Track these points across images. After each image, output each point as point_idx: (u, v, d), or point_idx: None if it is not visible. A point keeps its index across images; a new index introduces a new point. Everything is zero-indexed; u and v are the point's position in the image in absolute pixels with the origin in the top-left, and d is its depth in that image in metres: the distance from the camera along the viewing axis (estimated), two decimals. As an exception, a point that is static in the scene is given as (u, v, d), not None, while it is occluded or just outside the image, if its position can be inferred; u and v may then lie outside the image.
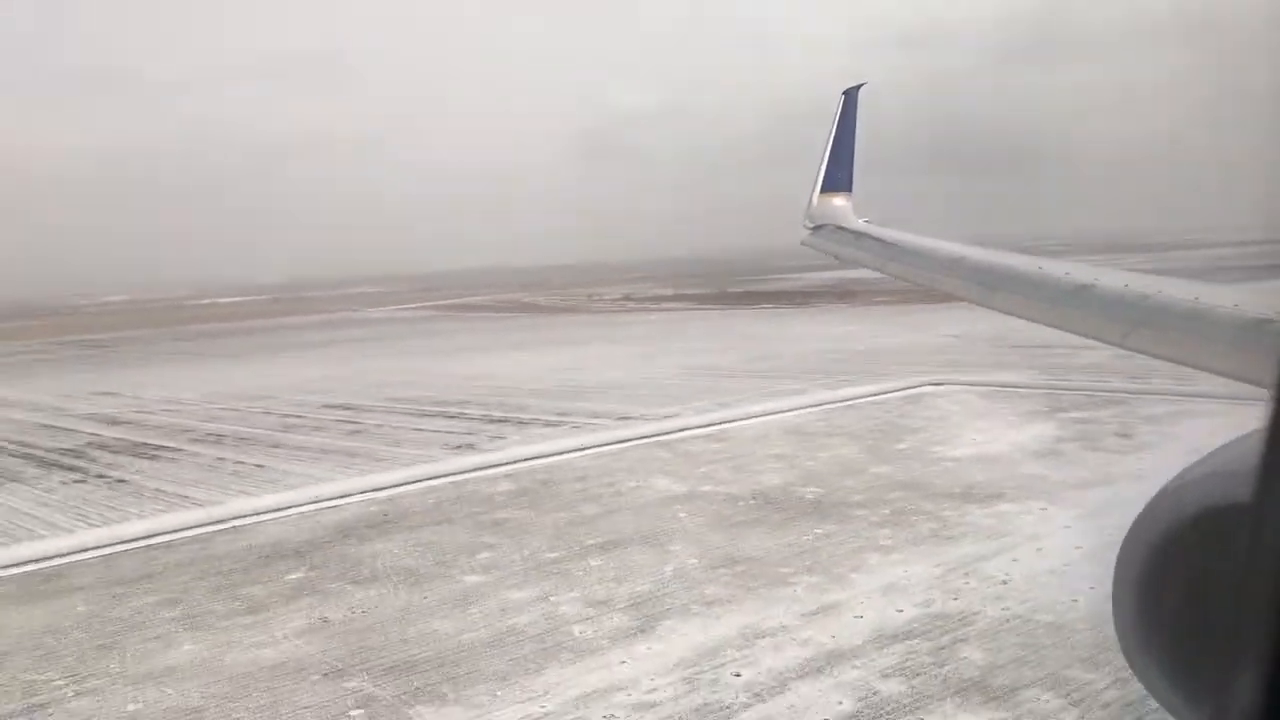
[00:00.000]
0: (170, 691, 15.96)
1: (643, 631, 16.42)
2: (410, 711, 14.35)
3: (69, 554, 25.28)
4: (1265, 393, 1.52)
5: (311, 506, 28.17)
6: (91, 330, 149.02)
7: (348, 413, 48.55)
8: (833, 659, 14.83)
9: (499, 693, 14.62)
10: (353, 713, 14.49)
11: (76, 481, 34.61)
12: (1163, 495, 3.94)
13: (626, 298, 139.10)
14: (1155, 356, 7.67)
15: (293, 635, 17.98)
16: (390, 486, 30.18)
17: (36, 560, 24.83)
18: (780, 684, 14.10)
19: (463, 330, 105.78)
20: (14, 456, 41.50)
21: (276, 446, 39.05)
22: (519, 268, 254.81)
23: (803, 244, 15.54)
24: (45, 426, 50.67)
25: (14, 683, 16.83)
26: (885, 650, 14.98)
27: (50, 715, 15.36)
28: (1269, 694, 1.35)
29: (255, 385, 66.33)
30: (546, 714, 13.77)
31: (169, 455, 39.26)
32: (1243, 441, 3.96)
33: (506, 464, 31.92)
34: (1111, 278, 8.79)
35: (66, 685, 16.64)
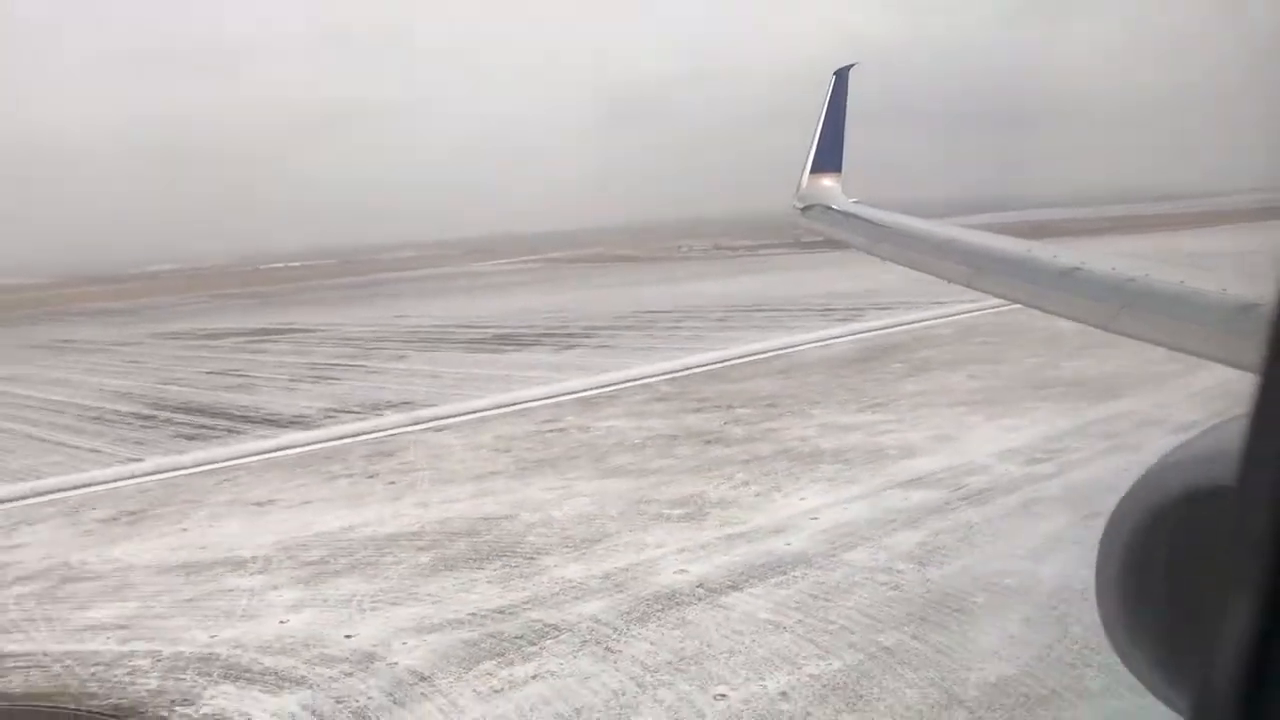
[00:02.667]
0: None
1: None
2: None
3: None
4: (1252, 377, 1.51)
5: (809, 346, 45.63)
6: (220, 286, 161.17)
7: (679, 315, 66.19)
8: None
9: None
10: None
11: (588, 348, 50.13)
12: (1147, 478, 3.82)
13: (716, 246, 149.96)
14: (1142, 340, 7.49)
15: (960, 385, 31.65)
16: (834, 339, 47.74)
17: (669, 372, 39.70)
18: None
19: (633, 271, 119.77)
20: (493, 341, 59.01)
21: (677, 328, 56.89)
22: (568, 230, 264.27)
23: (791, 224, 15.63)
24: (465, 326, 69.67)
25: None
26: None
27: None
28: (1247, 675, 1.34)
29: (537, 306, 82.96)
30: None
31: (620, 333, 58.22)
32: (1227, 425, 3.81)
33: (896, 326, 49.11)
34: (1099, 261, 8.63)
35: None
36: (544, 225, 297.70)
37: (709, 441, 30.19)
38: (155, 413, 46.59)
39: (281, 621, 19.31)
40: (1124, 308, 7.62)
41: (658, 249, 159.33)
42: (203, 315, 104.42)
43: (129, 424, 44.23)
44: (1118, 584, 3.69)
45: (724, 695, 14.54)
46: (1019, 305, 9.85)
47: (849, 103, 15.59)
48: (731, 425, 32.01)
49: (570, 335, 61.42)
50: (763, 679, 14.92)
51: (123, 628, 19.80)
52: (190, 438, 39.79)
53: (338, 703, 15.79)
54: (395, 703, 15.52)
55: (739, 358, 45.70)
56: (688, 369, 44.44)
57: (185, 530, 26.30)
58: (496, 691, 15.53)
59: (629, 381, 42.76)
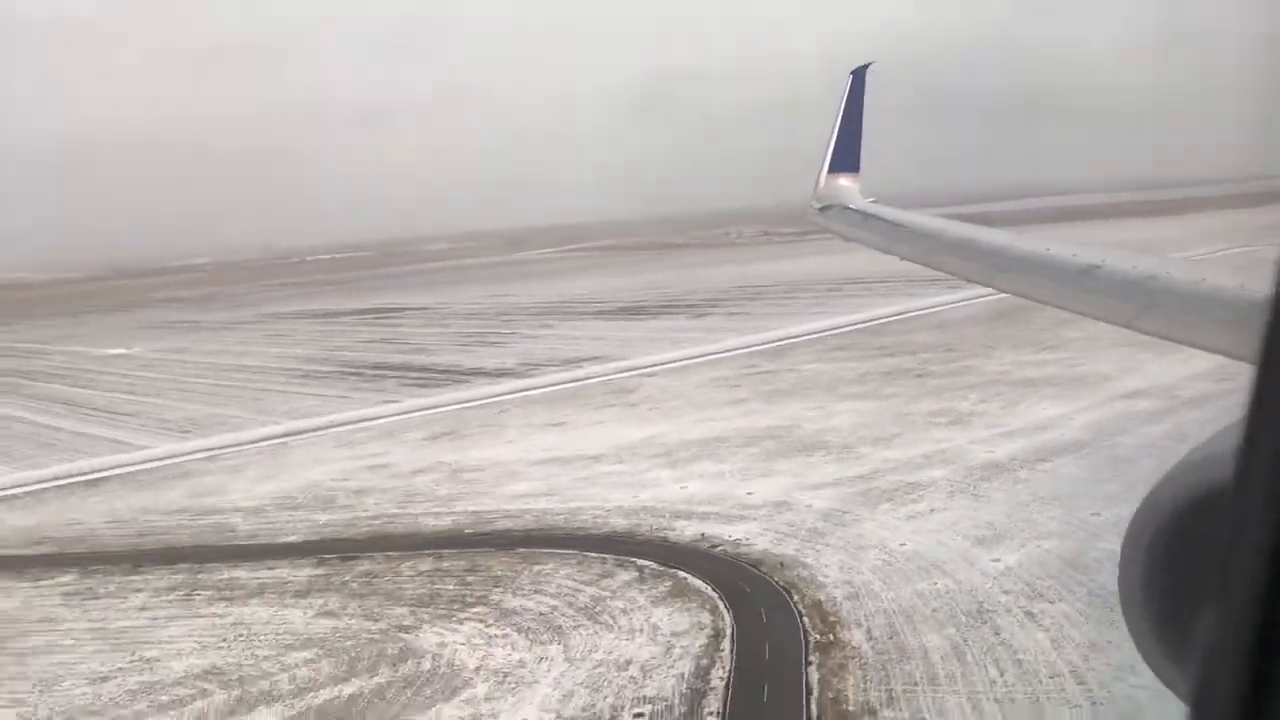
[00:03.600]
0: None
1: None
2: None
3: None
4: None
5: (938, 308, 48.88)
6: (291, 275, 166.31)
7: (784, 288, 70.10)
8: None
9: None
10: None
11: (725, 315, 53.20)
12: (1170, 477, 3.66)
13: (765, 233, 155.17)
14: (1164, 338, 7.34)
15: (1113, 333, 40.37)
16: (958, 303, 52.37)
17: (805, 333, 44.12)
18: None
19: (694, 256, 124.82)
20: (622, 312, 63.06)
21: (792, 298, 59.81)
22: (609, 220, 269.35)
23: (810, 223, 15.56)
24: (576, 301, 75.08)
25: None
26: None
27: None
28: (1247, 674, 1.33)
29: (630, 285, 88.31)
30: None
31: (741, 303, 61.27)
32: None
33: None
34: (1119, 259, 8.56)
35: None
36: (572, 218, 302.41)
37: (918, 376, 35.60)
38: (358, 370, 52.07)
39: (681, 487, 24.84)
40: (1145, 306, 7.63)
41: (702, 237, 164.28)
42: (292, 300, 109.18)
43: (345, 378, 49.71)
44: (1139, 580, 3.58)
45: (1098, 513, 20.02)
46: (1040, 303, 9.91)
47: (866, 99, 15.86)
48: (929, 364, 37.34)
49: (693, 305, 66.90)
50: (1117, 508, 20.36)
51: (549, 495, 25.33)
52: (420, 385, 45.23)
53: (790, 526, 21.33)
54: (836, 525, 21.05)
55: (879, 319, 50.92)
56: (836, 328, 49.78)
57: (512, 442, 31.80)
58: (910, 518, 21.07)
59: (790, 338, 48.18)
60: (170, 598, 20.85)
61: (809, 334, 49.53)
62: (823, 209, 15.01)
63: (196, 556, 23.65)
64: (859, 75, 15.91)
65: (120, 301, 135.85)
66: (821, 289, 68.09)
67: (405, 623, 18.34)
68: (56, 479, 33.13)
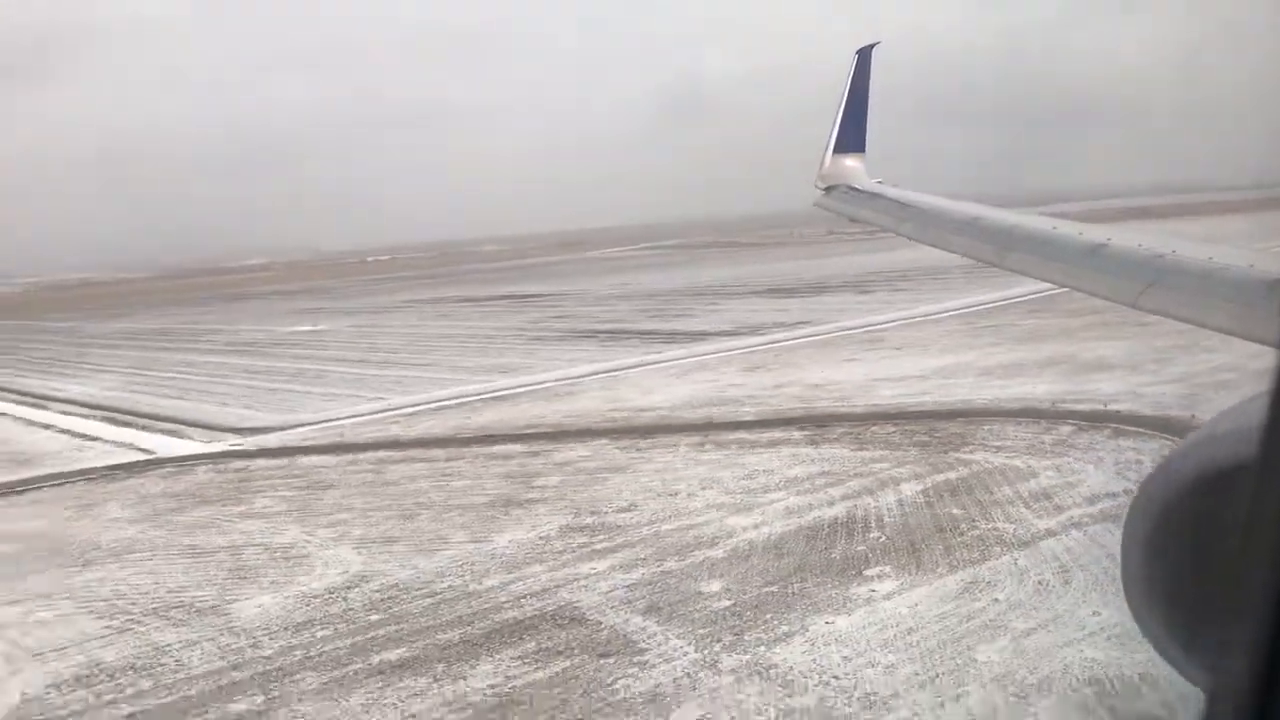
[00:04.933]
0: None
1: None
2: None
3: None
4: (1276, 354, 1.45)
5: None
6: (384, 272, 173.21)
7: (919, 274, 76.58)
8: None
9: None
10: None
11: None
12: (1174, 455, 3.80)
13: (830, 232, 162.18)
14: (1169, 317, 7.49)
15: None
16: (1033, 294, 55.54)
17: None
18: None
19: (778, 251, 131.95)
20: (775, 293, 73.91)
21: (938, 279, 66.12)
22: (654, 223, 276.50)
23: (815, 205, 15.27)
24: (714, 286, 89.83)
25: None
26: None
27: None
28: (1268, 653, 1.33)
29: (749, 274, 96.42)
30: None
31: (894, 283, 68.21)
32: (1255, 402, 3.79)
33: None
34: (1125, 237, 8.68)
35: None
36: (614, 221, 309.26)
37: (1142, 325, 42.43)
38: (587, 334, 58.94)
39: (1031, 389, 31.70)
40: (1151, 285, 7.52)
41: (767, 237, 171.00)
42: (407, 291, 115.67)
43: (582, 339, 56.62)
44: (1141, 558, 3.63)
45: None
46: (1046, 282, 9.91)
47: (871, 83, 15.60)
48: (1128, 325, 43.45)
49: (842, 286, 73.77)
50: None
51: (920, 395, 32.21)
52: (663, 342, 52.07)
53: (1153, 403, 28.20)
54: (1192, 404, 27.93)
55: (1039, 292, 56.11)
56: (1011, 298, 56.27)
57: (829, 370, 38.68)
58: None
59: (980, 305, 54.86)
60: (693, 453, 27.69)
61: (994, 301, 55.91)
62: (828, 190, 14.91)
63: (689, 429, 30.54)
64: (864, 55, 15.59)
65: (225, 295, 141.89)
66: (958, 272, 74.32)
67: (931, 458, 25.12)
68: (448, 400, 39.93)
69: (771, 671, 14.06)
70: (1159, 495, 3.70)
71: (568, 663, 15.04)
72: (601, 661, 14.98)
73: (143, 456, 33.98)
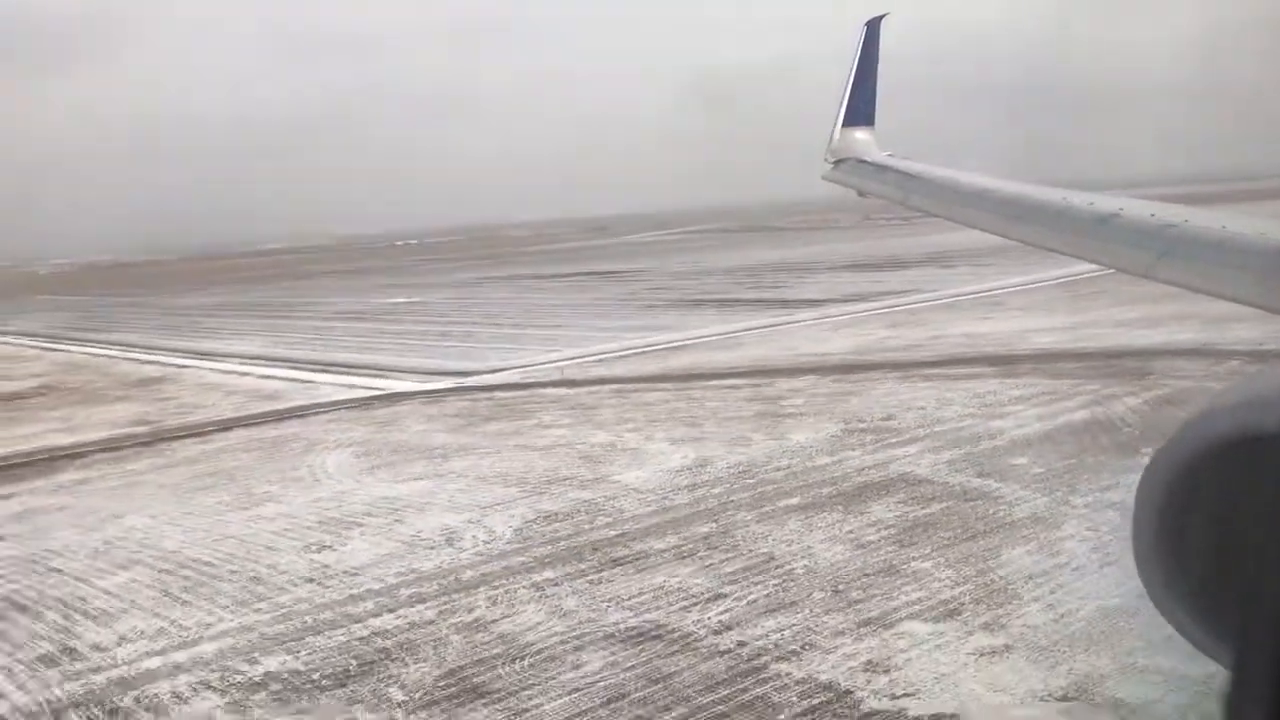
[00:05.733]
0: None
1: None
2: None
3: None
4: None
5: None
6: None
7: (986, 251, 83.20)
8: None
9: None
10: None
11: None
12: (1189, 423, 3.68)
13: (866, 218, 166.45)
14: (1182, 287, 7.46)
15: None
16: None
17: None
18: None
19: (820, 235, 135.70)
20: (863, 268, 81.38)
21: (1007, 255, 75.20)
22: (681, 209, 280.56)
23: (824, 178, 15.26)
24: (792, 264, 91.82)
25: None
26: None
27: None
28: None
29: (819, 254, 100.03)
30: None
31: (976, 259, 74.41)
32: (1274, 370, 3.97)
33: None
34: (1137, 208, 8.68)
35: None
36: (640, 208, 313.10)
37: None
38: (696, 301, 63.21)
39: (1169, 337, 36.07)
40: (1162, 255, 7.48)
41: (807, 221, 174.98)
42: (469, 270, 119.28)
43: (695, 306, 60.84)
44: (1155, 529, 3.54)
45: None
46: (1056, 252, 9.91)
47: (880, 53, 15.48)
48: None
49: (923, 262, 77.87)
50: None
51: (1081, 341, 36.55)
52: (779, 308, 56.38)
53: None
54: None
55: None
56: (1095, 271, 60.55)
57: (975, 324, 42.99)
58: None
59: (1069, 276, 58.94)
60: (905, 384, 31.97)
61: (1084, 274, 59.73)
62: (836, 163, 14.90)
63: (883, 367, 34.89)
64: (873, 26, 15.54)
65: (277, 274, 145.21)
66: (1016, 253, 77.48)
67: (1129, 384, 29.37)
68: (620, 351, 44.19)
69: (1116, 505, 18.41)
70: (1174, 463, 3.61)
71: (943, 505, 19.44)
72: (970, 504, 19.37)
73: (378, 392, 38.21)
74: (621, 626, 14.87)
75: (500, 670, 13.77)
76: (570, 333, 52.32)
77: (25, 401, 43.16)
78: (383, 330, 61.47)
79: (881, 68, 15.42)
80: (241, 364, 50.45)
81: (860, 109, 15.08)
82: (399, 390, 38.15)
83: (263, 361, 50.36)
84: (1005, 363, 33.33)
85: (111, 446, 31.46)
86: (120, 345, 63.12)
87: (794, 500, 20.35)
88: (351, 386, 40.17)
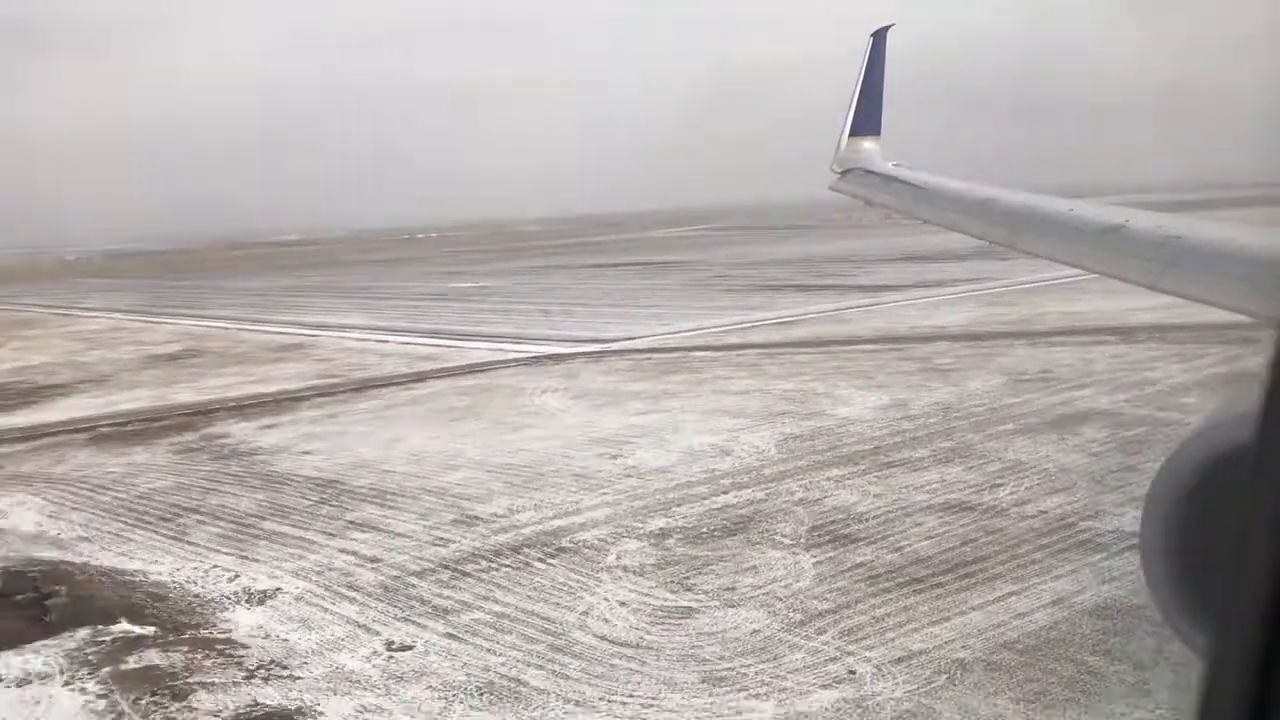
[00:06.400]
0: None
1: None
2: None
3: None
4: None
5: None
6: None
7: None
8: None
9: None
10: None
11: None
12: (1197, 434, 3.71)
13: (886, 217, 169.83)
14: (1190, 299, 7.55)
15: None
16: None
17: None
18: None
19: (854, 232, 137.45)
20: (915, 259, 78.23)
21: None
22: (680, 208, 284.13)
23: (831, 189, 15.61)
24: (839, 257, 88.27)
25: None
26: None
27: None
28: (1265, 632, 1.32)
29: (864, 248, 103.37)
30: None
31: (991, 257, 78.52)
32: None
33: None
34: (1143, 219, 8.75)
35: None
36: (650, 206, 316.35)
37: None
38: (773, 287, 66.59)
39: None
40: (1169, 266, 7.55)
41: (827, 220, 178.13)
42: (512, 260, 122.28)
43: (776, 291, 64.21)
44: (1162, 540, 3.57)
45: None
46: (1062, 263, 9.95)
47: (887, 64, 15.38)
48: None
49: (975, 255, 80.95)
50: None
51: (1181, 317, 40.07)
52: (860, 292, 59.73)
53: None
54: None
55: None
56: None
57: (1063, 306, 46.48)
58: None
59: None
60: (1039, 350, 35.38)
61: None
62: (843, 173, 15.09)
63: (1006, 336, 38.33)
64: (879, 37, 15.68)
65: (321, 262, 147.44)
66: None
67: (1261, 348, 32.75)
68: (732, 325, 47.55)
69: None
70: (1183, 472, 3.59)
71: (1145, 428, 22.91)
72: (1168, 428, 22.81)
73: (535, 353, 41.46)
74: (933, 502, 18.33)
75: (855, 526, 17.21)
76: (671, 311, 55.46)
77: (187, 360, 46.41)
78: (476, 309, 64.61)
79: (887, 77, 15.90)
80: (370, 334, 53.44)
81: (867, 119, 15.53)
82: (555, 353, 41.39)
83: (389, 332, 53.48)
84: (1123, 333, 36.78)
85: (322, 392, 34.76)
86: (224, 319, 66.21)
87: (1008, 426, 23.83)
88: (500, 350, 43.40)
